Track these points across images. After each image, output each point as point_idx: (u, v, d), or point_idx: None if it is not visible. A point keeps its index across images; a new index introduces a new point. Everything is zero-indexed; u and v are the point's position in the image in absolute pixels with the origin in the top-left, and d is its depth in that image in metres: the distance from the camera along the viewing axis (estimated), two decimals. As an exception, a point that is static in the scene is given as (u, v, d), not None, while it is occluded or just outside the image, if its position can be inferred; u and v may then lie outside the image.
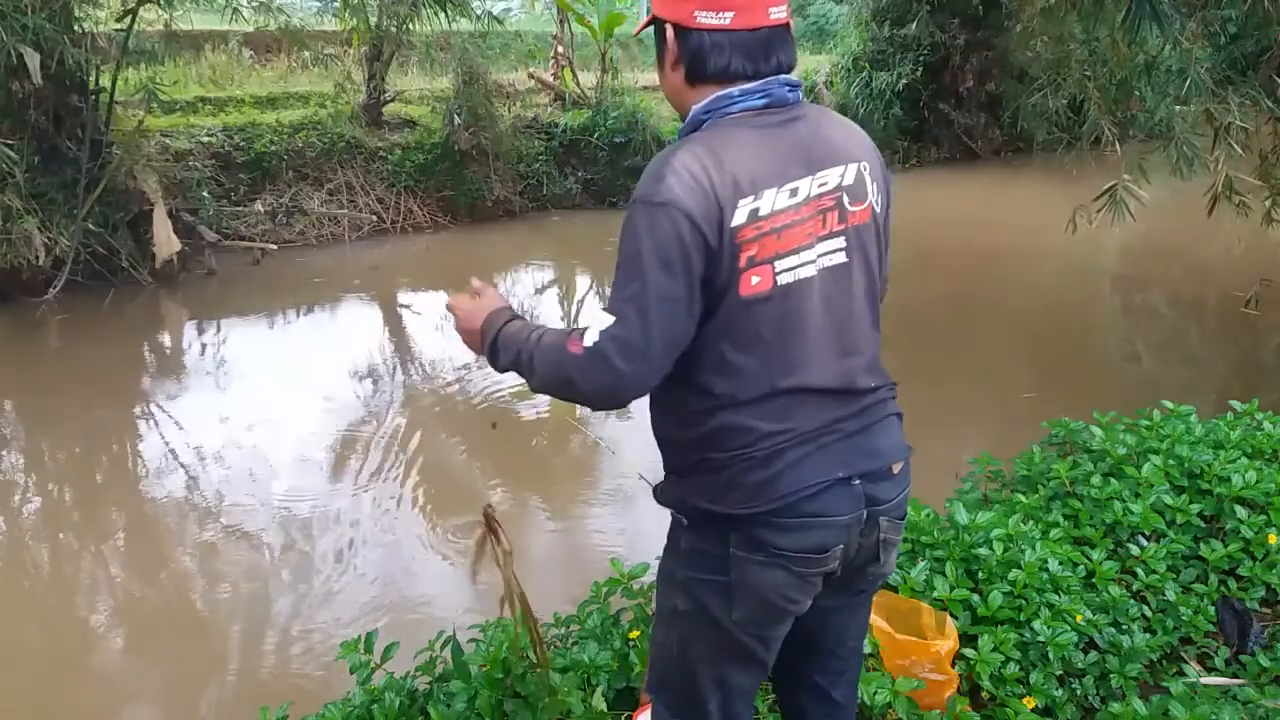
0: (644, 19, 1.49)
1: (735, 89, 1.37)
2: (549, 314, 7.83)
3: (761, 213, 1.31)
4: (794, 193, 1.35)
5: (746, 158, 1.33)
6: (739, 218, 1.30)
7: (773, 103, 1.39)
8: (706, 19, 1.36)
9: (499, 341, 1.43)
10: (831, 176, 1.39)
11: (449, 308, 1.56)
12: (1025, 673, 2.19)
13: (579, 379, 1.29)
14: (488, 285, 1.55)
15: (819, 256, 1.37)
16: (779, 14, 1.39)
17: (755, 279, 1.31)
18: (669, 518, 1.51)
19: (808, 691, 1.65)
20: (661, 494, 1.49)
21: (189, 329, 7.34)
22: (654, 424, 1.48)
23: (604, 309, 1.29)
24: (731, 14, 1.35)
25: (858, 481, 1.39)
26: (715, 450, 1.37)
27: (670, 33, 1.40)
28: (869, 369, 1.45)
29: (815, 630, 1.55)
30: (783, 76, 1.40)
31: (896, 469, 1.46)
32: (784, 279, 1.33)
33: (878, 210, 1.46)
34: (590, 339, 1.27)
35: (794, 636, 1.50)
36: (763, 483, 1.35)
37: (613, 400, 1.30)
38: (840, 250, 1.40)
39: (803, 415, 1.37)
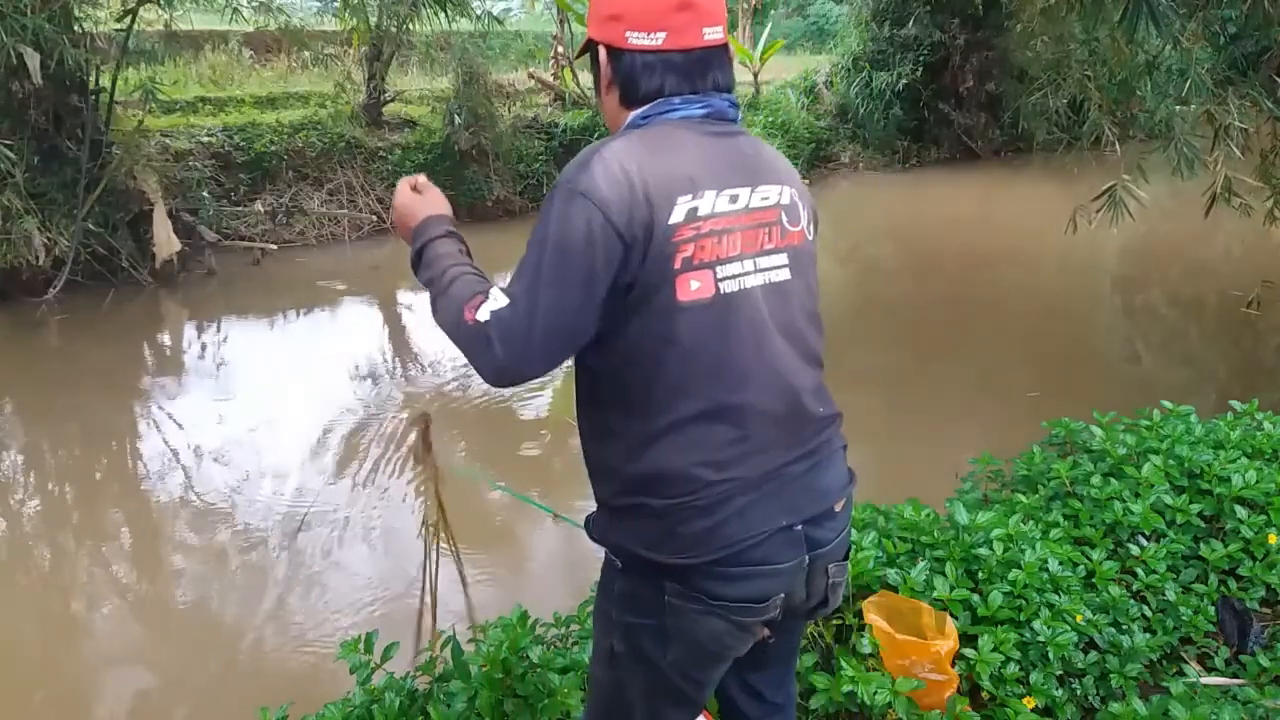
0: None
1: (676, 98, 1.34)
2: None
3: (700, 212, 1.26)
4: (734, 199, 1.30)
5: (686, 157, 1.29)
6: (676, 215, 1.24)
7: (713, 114, 1.36)
8: (638, 40, 1.32)
9: (424, 255, 1.39)
10: (772, 193, 1.36)
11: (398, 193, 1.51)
12: (1025, 673, 2.18)
13: (463, 348, 1.25)
14: (432, 185, 1.51)
15: (762, 270, 1.32)
16: (714, 35, 1.35)
17: (695, 284, 1.25)
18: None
19: (740, 688, 1.64)
20: (595, 530, 1.42)
21: (189, 329, 7.34)
22: (586, 450, 1.41)
23: (501, 288, 1.24)
24: (664, 34, 1.32)
25: (800, 526, 1.35)
26: (653, 496, 1.30)
27: (604, 54, 1.37)
28: (816, 393, 1.39)
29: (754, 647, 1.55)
30: (724, 94, 1.38)
31: (839, 507, 1.42)
32: (727, 287, 1.28)
33: (810, 239, 1.43)
34: (483, 314, 1.22)
35: None
36: (705, 532, 1.29)
37: (493, 379, 1.23)
38: (784, 267, 1.35)
39: (752, 457, 1.31)
